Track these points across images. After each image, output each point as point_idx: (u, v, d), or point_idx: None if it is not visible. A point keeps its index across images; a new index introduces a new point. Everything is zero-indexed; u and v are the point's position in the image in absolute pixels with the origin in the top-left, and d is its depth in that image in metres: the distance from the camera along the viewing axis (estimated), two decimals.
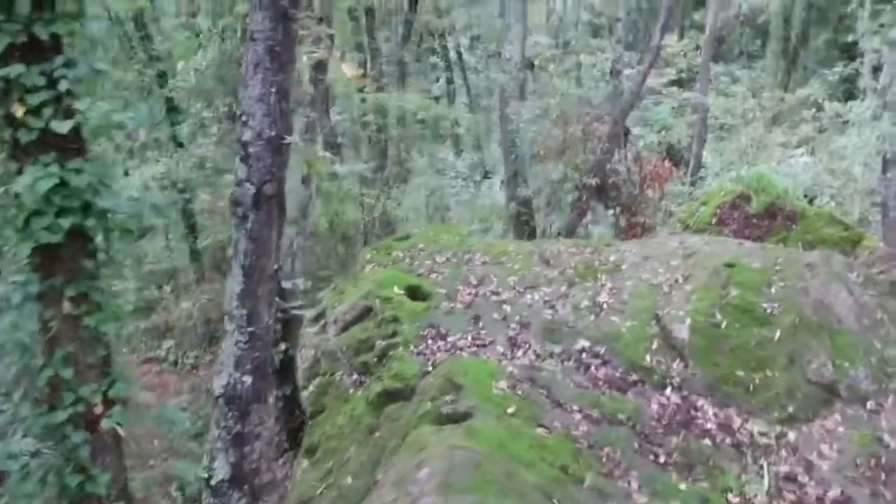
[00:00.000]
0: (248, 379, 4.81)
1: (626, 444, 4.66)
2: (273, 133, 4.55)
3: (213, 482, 4.88)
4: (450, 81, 30.30)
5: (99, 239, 5.32)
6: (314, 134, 13.37)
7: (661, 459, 4.67)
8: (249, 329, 4.75)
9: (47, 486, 4.76)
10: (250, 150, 4.55)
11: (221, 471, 4.88)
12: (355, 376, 6.42)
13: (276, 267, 4.75)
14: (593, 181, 10.21)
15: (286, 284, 10.61)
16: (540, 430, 4.33)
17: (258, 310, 4.74)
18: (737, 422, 5.51)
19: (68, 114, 5.07)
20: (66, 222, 5.00)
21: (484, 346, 6.31)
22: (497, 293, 7.15)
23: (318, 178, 15.22)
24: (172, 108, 14.03)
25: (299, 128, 13.68)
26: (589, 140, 10.69)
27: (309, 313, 7.75)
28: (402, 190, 19.48)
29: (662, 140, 21.58)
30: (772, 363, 5.85)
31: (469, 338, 6.41)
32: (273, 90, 4.52)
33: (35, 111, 5.09)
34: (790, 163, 18.42)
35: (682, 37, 26.65)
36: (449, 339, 6.42)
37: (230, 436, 4.85)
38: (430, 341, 6.39)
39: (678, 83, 24.56)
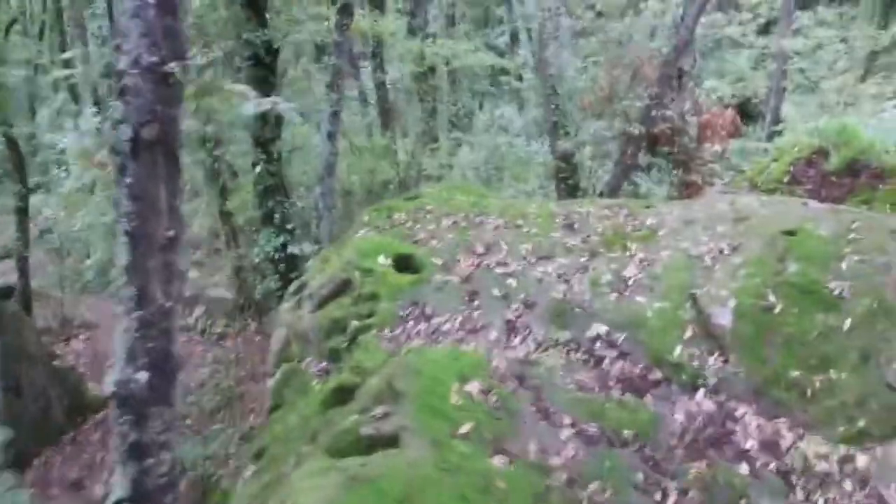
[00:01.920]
0: (142, 375, 3.81)
1: (624, 477, 3.47)
2: (154, 58, 3.46)
3: (110, 501, 3.94)
4: (514, 35, 28.61)
5: None
6: (341, 83, 12.26)
7: (671, 499, 3.46)
8: (139, 313, 3.73)
9: None
10: (126, 81, 3.47)
11: (119, 488, 3.92)
12: (323, 364, 5.39)
13: (170, 233, 3.69)
14: (636, 130, 8.78)
15: (294, 249, 9.67)
16: (497, 461, 3.19)
17: (149, 288, 3.71)
18: (787, 438, 4.24)
19: None
20: None
21: (475, 330, 5.17)
22: (504, 264, 5.97)
23: (349, 133, 14.21)
24: None
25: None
26: (639, 85, 9.25)
27: (292, 286, 6.73)
28: (453, 148, 18.25)
29: (738, 93, 19.68)
30: (839, 361, 4.53)
31: (458, 320, 5.28)
32: (152, 1, 3.42)
33: None
34: (883, 116, 16.36)
35: None
36: (434, 320, 5.30)
37: (126, 445, 3.88)
38: (410, 323, 5.29)
39: (764, 32, 22.40)
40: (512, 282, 5.67)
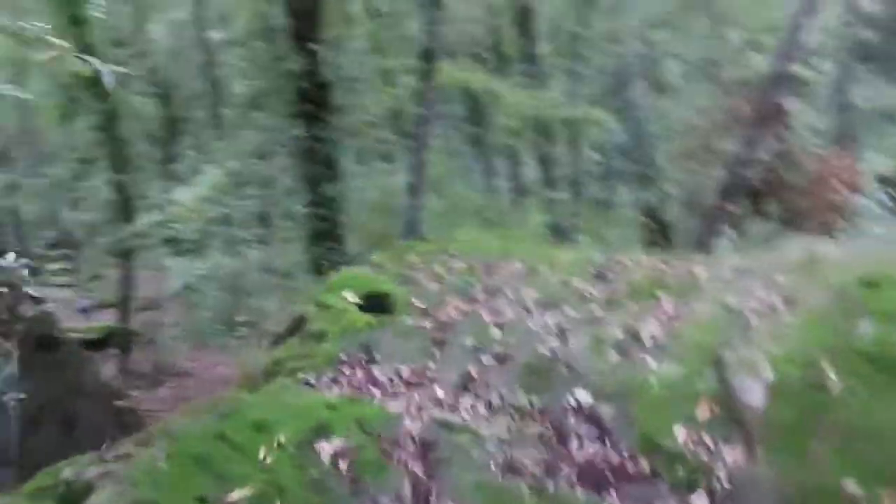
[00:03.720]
0: None
1: None
2: None
3: None
4: None
5: None
6: (425, 132, 11.54)
7: None
8: None
9: None
10: None
11: None
12: None
13: None
14: (724, 178, 7.24)
15: None
16: None
17: None
18: None
19: None
20: None
21: (420, 384, 3.98)
22: (497, 312, 4.77)
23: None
24: None
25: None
26: (737, 127, 7.76)
27: None
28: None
29: None
30: None
31: (406, 371, 4.12)
32: None
33: None
34: None
35: None
36: (376, 369, 4.16)
37: None
38: (345, 370, 4.19)
39: None
40: (496, 332, 4.45)
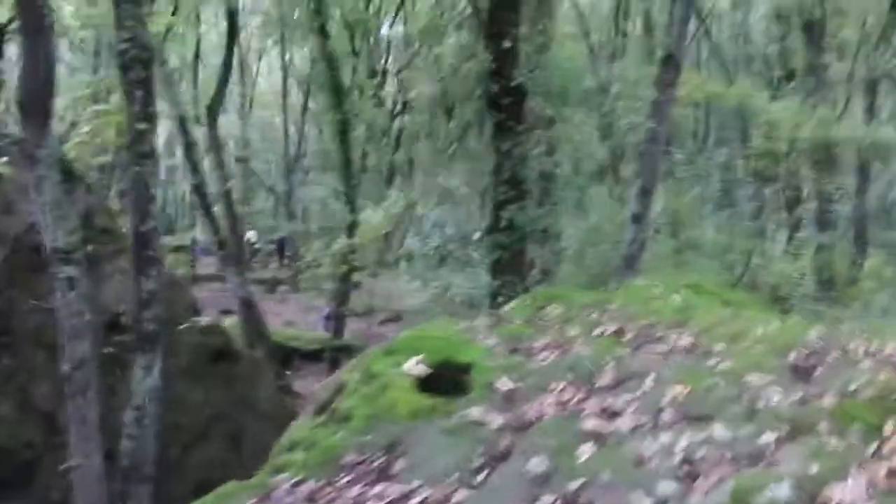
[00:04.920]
0: None
1: None
2: None
3: None
4: None
5: None
6: (656, 153, 9.83)
7: None
8: None
9: None
10: None
11: None
12: None
13: None
14: None
15: None
16: None
17: None
18: None
19: None
20: None
21: None
22: (610, 414, 3.12)
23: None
24: None
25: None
26: None
27: None
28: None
29: None
30: None
31: (421, 496, 2.68)
32: None
33: None
34: None
35: None
36: (380, 487, 2.77)
37: None
38: (338, 481, 2.85)
39: None
40: (586, 452, 2.82)
